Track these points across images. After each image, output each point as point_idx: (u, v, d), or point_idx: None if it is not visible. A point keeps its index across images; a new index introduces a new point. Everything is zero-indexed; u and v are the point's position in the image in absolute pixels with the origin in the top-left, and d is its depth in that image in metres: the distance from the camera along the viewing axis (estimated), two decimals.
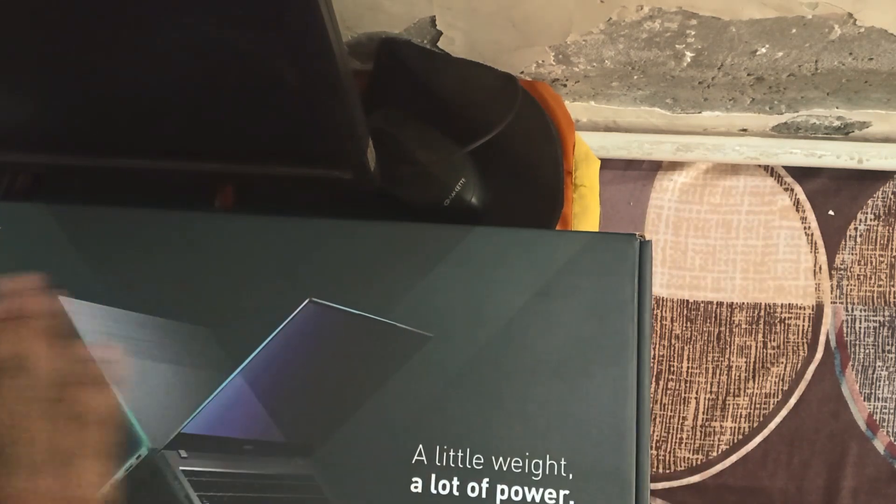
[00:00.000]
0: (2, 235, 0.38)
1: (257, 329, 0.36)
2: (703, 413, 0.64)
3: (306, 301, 0.36)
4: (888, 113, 0.60)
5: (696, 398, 0.64)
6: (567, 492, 0.34)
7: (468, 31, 0.47)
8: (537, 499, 0.34)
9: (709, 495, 0.63)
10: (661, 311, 0.64)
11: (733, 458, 0.64)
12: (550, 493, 0.34)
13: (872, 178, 0.66)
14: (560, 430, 0.34)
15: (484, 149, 0.45)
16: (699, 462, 0.64)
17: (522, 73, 0.53)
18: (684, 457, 0.64)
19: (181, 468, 0.34)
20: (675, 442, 0.64)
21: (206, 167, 0.40)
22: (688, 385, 0.65)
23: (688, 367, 0.65)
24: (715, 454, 0.64)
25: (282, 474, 0.34)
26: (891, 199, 0.66)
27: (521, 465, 0.34)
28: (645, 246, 0.37)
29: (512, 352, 0.36)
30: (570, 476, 0.34)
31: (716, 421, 0.64)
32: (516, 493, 0.34)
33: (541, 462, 0.34)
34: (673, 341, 0.65)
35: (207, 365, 0.35)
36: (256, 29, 0.30)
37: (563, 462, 0.34)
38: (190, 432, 0.35)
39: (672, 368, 0.65)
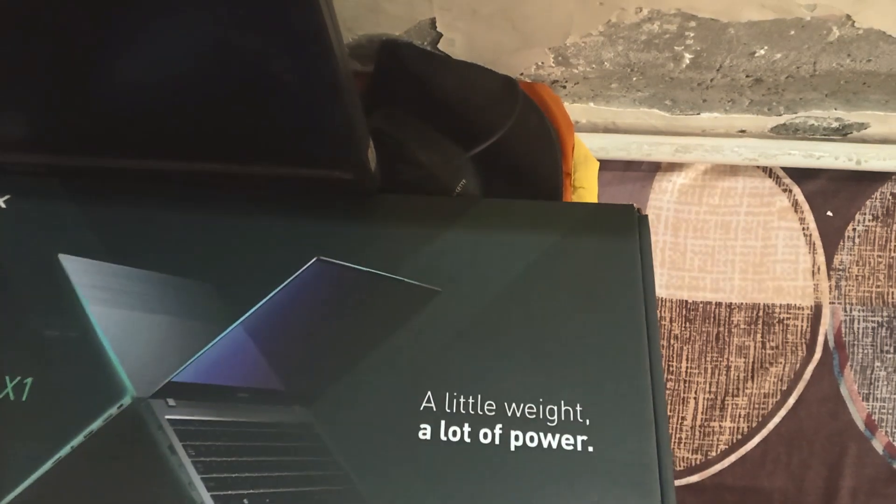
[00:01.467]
0: (10, 203, 0.38)
1: (261, 285, 0.35)
2: (702, 413, 0.64)
3: (314, 259, 0.36)
4: (886, 114, 0.61)
5: (694, 398, 0.65)
6: (584, 437, 0.33)
7: (468, 32, 0.48)
8: (553, 444, 0.33)
9: (708, 495, 0.63)
10: (661, 312, 0.65)
11: (732, 457, 0.64)
12: (567, 439, 0.33)
13: (871, 180, 0.66)
14: (574, 377, 0.34)
15: (484, 150, 0.45)
16: (698, 462, 0.64)
17: (522, 74, 0.53)
18: (683, 456, 0.64)
19: (167, 417, 0.33)
20: (675, 442, 0.64)
21: (205, 168, 0.40)
22: (687, 385, 0.65)
23: (687, 368, 0.65)
24: (714, 454, 0.64)
25: (278, 422, 0.33)
26: (889, 200, 0.66)
27: (535, 411, 0.33)
28: (643, 218, 0.38)
29: (522, 303, 0.35)
30: (587, 422, 0.33)
31: (715, 421, 0.64)
32: (531, 438, 0.33)
33: (555, 408, 0.33)
34: (672, 341, 0.65)
35: (207, 317, 0.35)
36: (257, 30, 0.30)
37: (578, 408, 0.33)
38: (181, 381, 0.33)
39: (671, 368, 0.65)
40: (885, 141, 0.63)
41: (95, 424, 0.33)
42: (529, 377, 0.34)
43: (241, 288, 0.35)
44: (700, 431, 0.64)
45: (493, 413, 0.33)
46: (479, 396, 0.33)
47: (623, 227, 0.37)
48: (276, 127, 0.37)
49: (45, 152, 0.41)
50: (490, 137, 0.45)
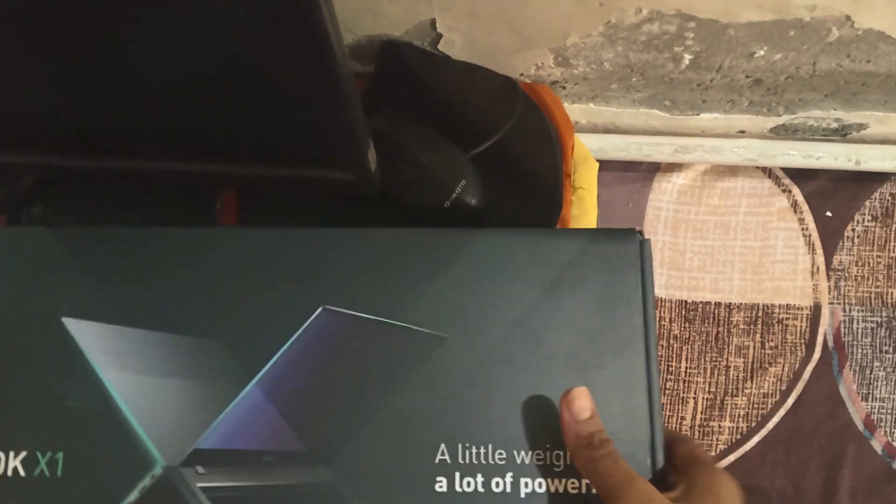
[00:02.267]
0: (2, 259, 0.37)
1: (270, 340, 0.36)
2: (702, 413, 0.65)
3: (320, 309, 0.36)
4: (886, 115, 0.61)
5: (694, 398, 0.65)
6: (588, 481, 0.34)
7: (468, 33, 0.48)
8: (560, 489, 0.34)
9: None
10: (660, 312, 0.65)
11: (731, 457, 0.64)
12: (573, 483, 0.34)
13: (870, 180, 0.66)
14: None
15: (484, 150, 0.45)
16: None
17: (522, 74, 0.53)
18: None
19: (198, 485, 0.34)
20: None
21: (206, 168, 0.40)
22: (686, 385, 0.65)
23: (686, 368, 0.65)
24: (713, 454, 0.64)
25: (303, 483, 0.34)
26: (888, 200, 0.66)
27: (542, 457, 0.34)
28: (645, 243, 0.38)
29: (525, 347, 0.36)
30: None
31: (714, 421, 0.64)
32: (540, 485, 0.34)
33: (561, 453, 0.34)
34: (671, 341, 0.65)
35: (221, 378, 0.35)
36: (257, 30, 0.30)
37: None
38: (206, 447, 0.34)
39: (671, 368, 0.65)
40: (884, 141, 0.63)
41: (132, 496, 0.33)
42: (536, 422, 0.35)
43: (251, 343, 0.36)
44: (699, 431, 0.64)
45: (504, 462, 0.34)
46: (490, 446, 0.35)
47: (624, 255, 0.37)
48: (276, 127, 0.37)
49: (45, 153, 0.41)
50: (490, 138, 0.45)
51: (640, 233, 0.38)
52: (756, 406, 0.65)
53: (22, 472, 0.34)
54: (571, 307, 0.37)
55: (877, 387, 0.65)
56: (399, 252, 0.37)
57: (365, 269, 0.37)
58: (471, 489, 0.34)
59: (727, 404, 0.65)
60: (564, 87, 0.56)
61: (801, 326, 0.65)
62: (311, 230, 0.38)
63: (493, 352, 0.36)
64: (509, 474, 0.34)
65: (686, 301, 0.65)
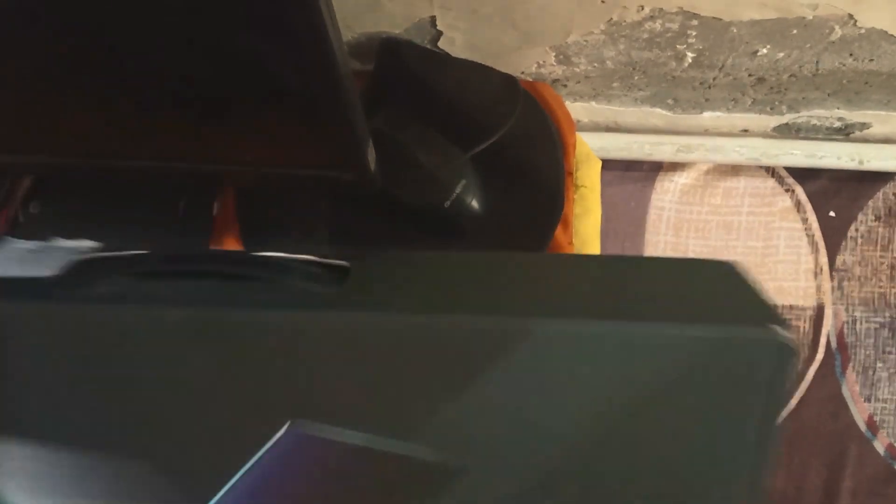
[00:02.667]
0: None
1: (226, 462, 0.27)
2: None
3: (287, 424, 0.26)
4: (889, 114, 0.61)
5: None
6: None
7: (468, 31, 0.47)
8: None
9: None
10: None
11: None
12: None
13: (873, 180, 0.66)
14: None
15: (484, 150, 0.45)
16: None
17: (523, 73, 0.53)
18: None
19: None
20: None
21: (205, 168, 0.40)
22: None
23: None
24: None
25: None
26: (891, 200, 0.66)
27: None
28: (785, 350, 0.24)
29: (579, 483, 0.27)
30: None
31: None
32: None
33: None
34: None
35: None
36: (257, 29, 0.30)
37: None
38: None
39: None
40: (887, 141, 0.63)
41: None
42: None
43: (201, 466, 0.27)
44: None
45: None
46: None
47: (752, 365, 0.25)
48: (276, 127, 0.37)
49: (45, 153, 0.41)
50: (491, 137, 0.45)
51: (779, 327, 0.25)
52: None
53: None
54: (655, 436, 0.26)
55: (880, 388, 0.65)
56: (409, 348, 0.26)
57: (360, 371, 0.26)
58: None
59: None
60: (566, 86, 0.56)
61: (804, 327, 0.65)
62: (282, 313, 0.27)
63: (535, 487, 0.26)
64: None
65: None
